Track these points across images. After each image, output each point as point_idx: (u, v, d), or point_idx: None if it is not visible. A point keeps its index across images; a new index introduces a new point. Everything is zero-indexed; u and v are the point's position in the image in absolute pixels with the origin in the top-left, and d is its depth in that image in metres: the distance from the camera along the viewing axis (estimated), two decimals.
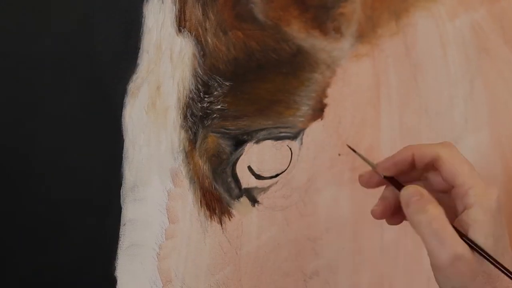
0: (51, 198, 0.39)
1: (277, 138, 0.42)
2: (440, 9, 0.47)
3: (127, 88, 0.40)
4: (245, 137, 0.42)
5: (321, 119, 0.43)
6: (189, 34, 0.41)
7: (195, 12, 0.41)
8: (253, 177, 0.42)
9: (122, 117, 0.40)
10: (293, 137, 0.43)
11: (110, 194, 0.40)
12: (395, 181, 0.37)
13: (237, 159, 0.42)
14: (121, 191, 0.40)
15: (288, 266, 0.43)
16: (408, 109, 0.46)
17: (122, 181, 0.40)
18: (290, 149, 0.43)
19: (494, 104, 0.48)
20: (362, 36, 0.45)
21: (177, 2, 0.40)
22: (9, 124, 0.38)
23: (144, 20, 0.40)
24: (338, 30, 0.44)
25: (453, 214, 0.35)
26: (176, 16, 0.40)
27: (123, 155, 0.40)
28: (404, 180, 0.38)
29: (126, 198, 0.40)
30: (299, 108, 0.43)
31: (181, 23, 0.40)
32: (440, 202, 0.36)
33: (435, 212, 0.34)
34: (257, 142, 0.42)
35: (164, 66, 0.40)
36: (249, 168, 0.42)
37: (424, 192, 0.35)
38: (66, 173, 0.39)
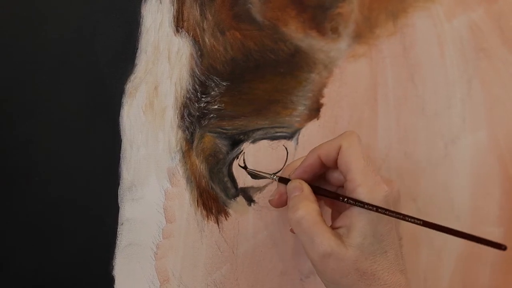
0: (49, 197, 0.39)
1: (273, 138, 0.42)
2: (438, 10, 0.47)
3: (125, 88, 0.40)
4: (241, 136, 0.42)
5: (317, 119, 0.43)
6: (186, 34, 0.41)
7: (193, 13, 0.41)
8: (249, 176, 0.42)
9: (120, 117, 0.40)
10: (289, 137, 0.43)
11: (107, 194, 0.40)
12: (286, 180, 0.38)
13: (234, 158, 0.42)
14: (118, 190, 0.40)
15: (284, 265, 0.43)
16: (405, 109, 0.46)
17: (120, 181, 0.40)
18: (286, 148, 0.43)
19: (492, 104, 0.48)
20: (359, 36, 0.45)
21: (175, 3, 0.40)
22: (8, 124, 0.38)
23: (142, 21, 0.40)
24: (335, 31, 0.44)
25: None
26: (174, 16, 0.40)
27: (121, 155, 0.40)
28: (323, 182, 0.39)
29: (123, 197, 0.40)
30: (296, 108, 0.43)
31: (179, 23, 0.40)
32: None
33: (304, 212, 0.34)
34: (254, 141, 0.42)
35: (162, 66, 0.40)
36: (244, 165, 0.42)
37: (305, 187, 0.36)
38: (64, 172, 0.39)
